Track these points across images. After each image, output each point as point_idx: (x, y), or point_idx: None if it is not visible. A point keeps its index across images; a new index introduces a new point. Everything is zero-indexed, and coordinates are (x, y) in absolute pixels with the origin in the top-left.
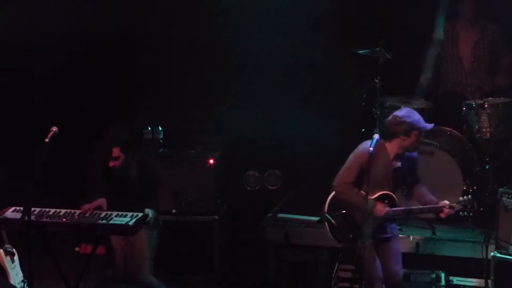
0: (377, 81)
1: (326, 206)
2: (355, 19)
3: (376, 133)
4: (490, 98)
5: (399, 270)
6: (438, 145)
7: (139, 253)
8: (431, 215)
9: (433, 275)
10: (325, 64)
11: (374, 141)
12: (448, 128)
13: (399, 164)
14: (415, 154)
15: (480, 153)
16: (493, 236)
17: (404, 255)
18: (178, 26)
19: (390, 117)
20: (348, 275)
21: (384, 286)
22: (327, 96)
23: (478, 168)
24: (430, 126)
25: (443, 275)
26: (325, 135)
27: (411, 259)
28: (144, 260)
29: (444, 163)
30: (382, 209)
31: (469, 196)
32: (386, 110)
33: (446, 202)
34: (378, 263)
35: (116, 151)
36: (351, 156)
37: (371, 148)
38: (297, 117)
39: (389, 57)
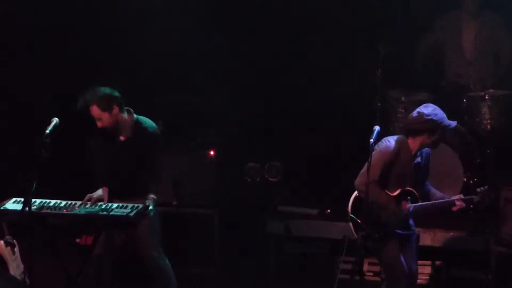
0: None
1: (350, 206)
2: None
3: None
4: (491, 90)
5: (416, 270)
6: None
7: (142, 241)
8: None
9: (434, 267)
10: (325, 58)
11: (375, 133)
12: None
13: (418, 159)
14: (428, 149)
15: (481, 145)
16: (494, 228)
17: None
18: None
19: (415, 114)
20: (349, 266)
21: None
22: (329, 88)
23: (478, 160)
24: (453, 123)
25: (443, 267)
26: (327, 127)
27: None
28: (149, 246)
29: (444, 155)
30: (405, 205)
31: (486, 186)
32: (388, 103)
33: (461, 195)
34: (402, 259)
35: (95, 111)
36: (374, 154)
37: (372, 140)
38: (297, 109)
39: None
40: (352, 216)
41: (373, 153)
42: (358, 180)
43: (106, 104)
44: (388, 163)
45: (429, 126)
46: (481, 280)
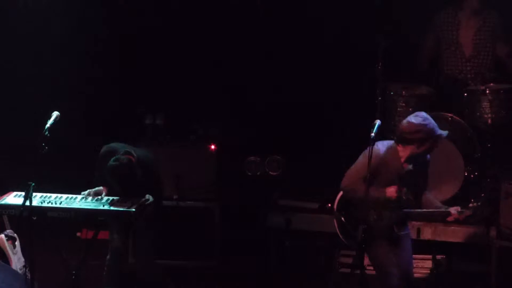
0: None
1: (335, 205)
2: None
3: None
4: (492, 84)
5: (412, 273)
6: None
7: (140, 250)
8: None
9: (435, 261)
10: (325, 51)
11: (376, 127)
12: (449, 114)
13: (410, 167)
14: (427, 156)
15: (481, 139)
16: (494, 222)
17: None
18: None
19: (405, 123)
20: (350, 260)
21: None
22: (330, 82)
23: (479, 154)
24: (444, 133)
25: (444, 260)
26: (328, 121)
27: (412, 244)
28: (147, 257)
29: (445, 149)
30: (391, 190)
31: (479, 203)
32: (388, 97)
33: (458, 208)
34: (393, 259)
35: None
36: (361, 157)
37: (373, 134)
38: (298, 102)
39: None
40: (337, 214)
41: (360, 155)
42: (343, 181)
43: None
44: (374, 168)
45: (419, 136)
46: (482, 274)
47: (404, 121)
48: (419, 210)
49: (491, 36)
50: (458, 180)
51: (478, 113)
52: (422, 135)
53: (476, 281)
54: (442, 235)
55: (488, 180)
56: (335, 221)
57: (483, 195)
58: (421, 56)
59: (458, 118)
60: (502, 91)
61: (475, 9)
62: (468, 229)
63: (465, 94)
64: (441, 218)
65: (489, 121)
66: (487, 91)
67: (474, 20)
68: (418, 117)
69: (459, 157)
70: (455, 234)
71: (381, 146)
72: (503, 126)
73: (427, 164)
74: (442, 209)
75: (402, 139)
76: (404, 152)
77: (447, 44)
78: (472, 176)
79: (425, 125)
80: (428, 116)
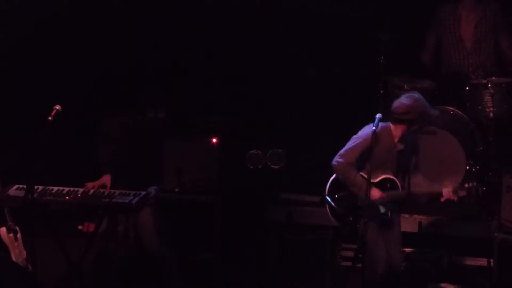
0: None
1: (327, 187)
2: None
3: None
4: (494, 78)
5: (400, 259)
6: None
7: (145, 229)
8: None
9: (436, 255)
10: (327, 45)
11: (377, 120)
12: (451, 108)
13: (402, 146)
14: (416, 136)
15: (483, 132)
16: (496, 215)
17: (407, 234)
18: None
19: (396, 103)
20: (351, 254)
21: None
22: (330, 74)
23: (481, 148)
24: (436, 113)
25: (445, 254)
26: (330, 115)
27: (413, 238)
28: (152, 233)
29: (447, 142)
30: (375, 194)
31: (474, 183)
32: (390, 90)
33: (450, 188)
34: (381, 242)
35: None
36: (355, 137)
37: (374, 128)
38: (300, 96)
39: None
40: (328, 197)
41: (354, 136)
42: (335, 159)
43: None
44: (367, 148)
45: (410, 116)
46: (483, 267)
47: (396, 101)
48: (409, 191)
49: (492, 29)
50: (460, 174)
51: (480, 107)
52: (413, 115)
53: (477, 275)
54: (443, 228)
55: (490, 173)
56: (326, 205)
57: (484, 189)
58: (424, 51)
59: (460, 112)
60: (504, 85)
61: (475, 2)
62: (469, 222)
63: (467, 88)
64: (433, 200)
65: (491, 114)
66: (489, 85)
67: (475, 13)
68: (408, 98)
69: (460, 150)
70: (456, 228)
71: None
72: (505, 120)
73: (417, 145)
74: (434, 191)
75: (393, 119)
76: (396, 131)
77: (449, 37)
78: (473, 169)
79: (416, 106)
80: (420, 97)
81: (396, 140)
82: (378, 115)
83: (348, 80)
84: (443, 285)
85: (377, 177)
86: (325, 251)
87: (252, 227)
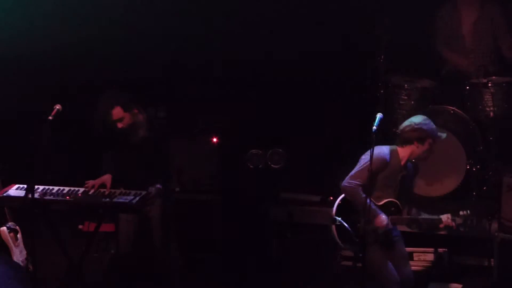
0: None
1: (334, 208)
2: None
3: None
4: (494, 77)
5: (410, 272)
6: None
7: (153, 230)
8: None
9: (436, 254)
10: (328, 45)
11: (378, 120)
12: (451, 107)
13: (405, 172)
14: (415, 164)
15: (484, 132)
16: (496, 215)
17: (407, 234)
18: None
19: (406, 123)
20: (351, 253)
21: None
22: (331, 73)
23: (481, 148)
24: (443, 135)
25: (446, 254)
26: (330, 114)
27: (413, 238)
28: (160, 230)
29: (447, 142)
30: (381, 221)
31: (468, 211)
32: (390, 90)
33: (449, 215)
34: (390, 265)
35: (118, 112)
36: (363, 159)
37: (375, 127)
38: (300, 96)
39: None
40: (339, 219)
41: (363, 157)
42: (345, 180)
43: (129, 105)
44: (376, 171)
45: (418, 135)
46: (484, 267)
47: (405, 121)
48: (410, 217)
49: (492, 28)
50: (460, 174)
51: (480, 106)
52: (422, 133)
53: (477, 275)
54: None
55: (490, 173)
56: (333, 226)
57: (484, 188)
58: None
59: (460, 111)
60: (504, 84)
61: (475, 1)
62: (470, 222)
63: (467, 87)
64: (433, 226)
65: (491, 114)
66: (489, 84)
67: (473, 9)
68: (418, 117)
69: (461, 150)
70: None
71: (386, 149)
72: (505, 119)
73: (417, 169)
74: (434, 217)
75: (401, 139)
76: (403, 154)
77: (449, 36)
78: (474, 169)
79: (425, 124)
80: (428, 119)
81: (402, 163)
82: (379, 115)
83: (348, 80)
84: (443, 285)
85: (381, 200)
86: (326, 251)
87: (252, 227)
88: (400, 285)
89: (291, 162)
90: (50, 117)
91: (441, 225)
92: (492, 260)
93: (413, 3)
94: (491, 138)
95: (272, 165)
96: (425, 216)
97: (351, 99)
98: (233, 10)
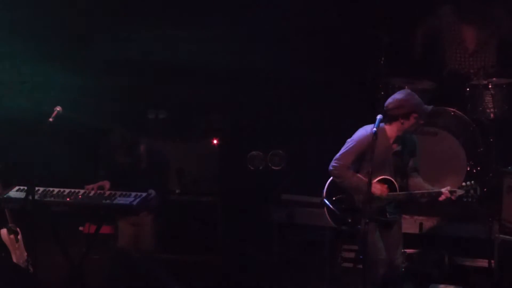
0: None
1: (325, 190)
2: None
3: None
4: (494, 78)
5: (400, 261)
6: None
7: (146, 241)
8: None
9: (437, 256)
10: (328, 46)
11: (378, 121)
12: (452, 109)
13: (399, 148)
14: (415, 137)
15: (484, 133)
16: (496, 216)
17: (408, 235)
18: None
19: (389, 100)
20: (352, 255)
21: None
22: (331, 75)
23: (482, 149)
24: (428, 108)
25: (446, 255)
26: (331, 116)
27: (414, 239)
28: (150, 237)
29: (447, 143)
30: (376, 188)
31: (472, 181)
32: (391, 91)
33: (448, 187)
34: (381, 245)
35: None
36: (349, 141)
37: (375, 129)
38: (300, 97)
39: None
40: (326, 200)
41: (348, 139)
42: (331, 164)
43: (134, 145)
44: (363, 152)
45: (402, 111)
46: (484, 268)
47: (389, 98)
48: (409, 192)
49: (494, 30)
50: (461, 175)
51: (480, 108)
52: (406, 109)
53: (478, 276)
54: (445, 229)
55: (490, 174)
56: (325, 208)
57: (485, 190)
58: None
59: (461, 113)
60: (504, 86)
61: (478, 4)
62: (470, 223)
63: (468, 89)
64: (432, 199)
65: (492, 115)
66: (490, 86)
67: (475, 14)
68: (401, 93)
69: (461, 151)
70: (457, 229)
71: (369, 128)
72: (506, 121)
73: (415, 146)
74: (433, 190)
75: (387, 117)
76: (391, 131)
77: (450, 38)
78: (474, 170)
79: (408, 99)
80: (413, 93)
81: (391, 141)
82: (379, 116)
83: (349, 81)
84: (444, 286)
85: (375, 178)
86: (326, 252)
87: (253, 228)
88: (388, 268)
89: (291, 163)
90: (51, 119)
91: (441, 198)
92: (492, 261)
93: (413, 3)
94: (491, 140)
95: (272, 167)
96: (423, 190)
97: (351, 100)
98: (233, 10)
